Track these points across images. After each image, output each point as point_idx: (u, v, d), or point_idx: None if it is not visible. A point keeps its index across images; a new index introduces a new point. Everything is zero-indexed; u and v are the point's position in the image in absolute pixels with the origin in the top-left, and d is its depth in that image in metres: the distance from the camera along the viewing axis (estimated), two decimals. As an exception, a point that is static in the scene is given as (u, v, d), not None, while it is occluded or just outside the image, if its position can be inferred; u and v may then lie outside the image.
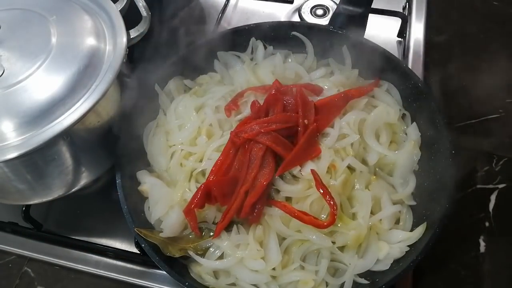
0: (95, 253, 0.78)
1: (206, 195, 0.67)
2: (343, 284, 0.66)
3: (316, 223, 0.64)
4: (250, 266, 0.65)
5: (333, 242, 0.66)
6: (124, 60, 0.68)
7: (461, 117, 0.92)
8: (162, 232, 0.69)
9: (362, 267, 0.66)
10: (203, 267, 0.68)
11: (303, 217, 0.64)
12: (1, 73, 0.64)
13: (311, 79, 0.83)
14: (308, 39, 0.86)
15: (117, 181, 0.71)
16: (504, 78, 0.96)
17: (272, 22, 0.87)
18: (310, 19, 1.01)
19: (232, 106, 0.77)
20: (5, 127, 0.62)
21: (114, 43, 0.69)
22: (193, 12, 1.11)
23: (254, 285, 0.66)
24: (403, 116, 0.80)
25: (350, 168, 0.71)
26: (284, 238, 0.67)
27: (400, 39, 1.01)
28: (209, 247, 0.69)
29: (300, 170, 0.69)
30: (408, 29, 1.01)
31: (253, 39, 0.87)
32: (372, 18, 1.03)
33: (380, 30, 1.02)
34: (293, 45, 0.87)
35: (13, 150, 0.61)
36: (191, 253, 0.68)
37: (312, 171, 0.67)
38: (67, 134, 0.64)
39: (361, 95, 0.78)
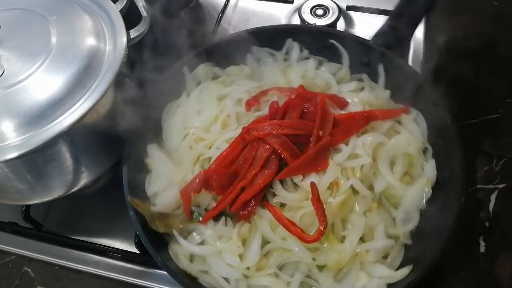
0: (95, 253, 0.78)
1: (204, 182, 0.68)
2: None
3: (301, 236, 0.63)
4: (226, 260, 0.66)
5: (314, 259, 0.65)
6: (124, 60, 0.68)
7: (461, 117, 0.92)
8: (154, 205, 0.71)
9: None
10: (181, 248, 0.69)
11: (290, 227, 0.64)
12: (1, 73, 0.64)
13: (339, 91, 0.81)
14: (345, 50, 0.84)
15: (125, 153, 0.73)
16: (504, 78, 0.97)
17: (311, 26, 0.88)
18: (310, 19, 1.01)
19: (253, 101, 0.77)
20: (5, 127, 0.62)
21: (114, 43, 0.69)
22: (193, 12, 1.11)
23: (225, 278, 0.66)
24: (425, 150, 0.76)
25: (354, 190, 0.68)
26: (268, 242, 0.67)
27: (400, 39, 1.01)
28: (193, 231, 0.69)
29: (302, 180, 0.68)
30: (408, 29, 1.01)
31: (289, 40, 0.86)
32: (372, 18, 1.04)
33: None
34: (329, 53, 0.85)
35: (13, 150, 0.61)
36: (175, 232, 0.69)
37: (312, 183, 0.65)
38: (67, 134, 0.64)
39: (385, 118, 0.74)
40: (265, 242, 0.67)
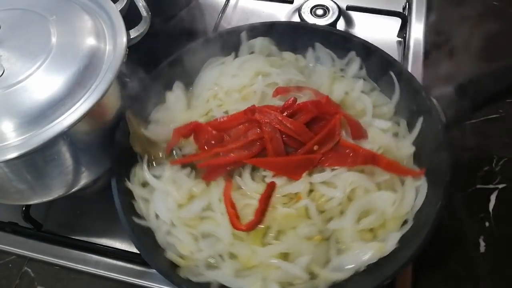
0: (95, 253, 0.78)
1: (193, 131, 0.73)
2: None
3: (233, 219, 0.65)
4: (167, 202, 0.70)
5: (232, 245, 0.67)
6: (124, 60, 0.68)
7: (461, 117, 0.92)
8: (146, 129, 0.77)
9: None
10: (140, 173, 0.74)
11: (229, 207, 0.66)
12: (1, 73, 0.64)
13: (370, 123, 0.76)
14: (400, 89, 0.79)
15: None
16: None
17: (382, 53, 0.81)
18: (310, 19, 1.01)
19: (283, 91, 0.77)
20: (5, 127, 0.62)
21: (114, 43, 0.69)
22: (193, 12, 1.11)
23: (156, 214, 0.71)
24: (404, 222, 0.69)
25: (307, 212, 0.66)
26: (210, 209, 0.70)
27: (400, 39, 1.01)
28: (159, 165, 0.75)
29: (271, 177, 0.69)
30: (408, 29, 1.01)
31: (354, 53, 0.83)
32: (372, 18, 1.04)
33: (380, 30, 1.02)
34: (385, 81, 0.81)
35: (13, 150, 0.61)
36: (145, 156, 0.75)
37: (272, 183, 0.67)
38: (67, 134, 0.64)
39: (389, 170, 0.69)
40: (207, 208, 0.69)
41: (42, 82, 0.64)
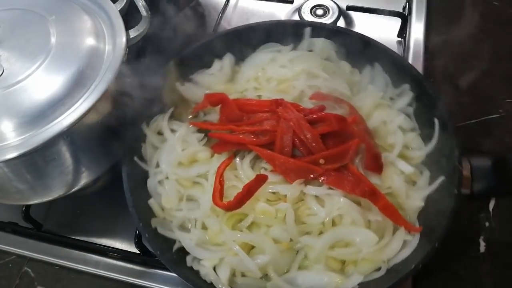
0: (95, 253, 0.78)
1: (220, 103, 0.76)
2: None
3: (215, 194, 0.67)
4: (170, 155, 0.75)
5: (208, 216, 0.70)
6: (124, 60, 0.68)
7: (461, 117, 0.92)
8: (182, 85, 0.82)
9: None
10: (160, 122, 0.78)
11: (217, 181, 0.68)
12: (1, 73, 0.64)
13: (393, 161, 0.72)
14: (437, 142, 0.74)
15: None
16: (504, 78, 0.96)
17: (431, 93, 0.76)
18: (310, 19, 1.01)
19: (320, 96, 0.77)
20: (5, 127, 0.62)
21: (114, 43, 0.69)
22: (193, 12, 1.11)
23: (157, 163, 0.76)
24: (378, 269, 0.66)
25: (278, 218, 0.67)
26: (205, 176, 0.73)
27: (400, 39, 1.01)
28: (180, 121, 0.79)
29: (269, 171, 0.69)
30: (408, 29, 1.01)
31: (408, 87, 0.79)
32: (372, 18, 1.04)
33: (380, 30, 1.02)
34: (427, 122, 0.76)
35: (13, 150, 0.61)
36: (172, 108, 0.79)
37: (263, 175, 0.67)
38: (67, 134, 0.64)
39: (383, 212, 0.65)
40: (202, 175, 0.73)
41: (42, 82, 0.64)
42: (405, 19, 1.00)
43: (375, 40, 0.82)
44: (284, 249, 0.66)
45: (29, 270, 0.80)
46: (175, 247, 0.69)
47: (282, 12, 1.08)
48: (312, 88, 0.79)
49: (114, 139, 0.75)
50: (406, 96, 0.79)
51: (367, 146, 0.70)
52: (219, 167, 0.70)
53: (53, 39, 0.67)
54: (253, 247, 0.67)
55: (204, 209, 0.69)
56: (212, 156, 0.74)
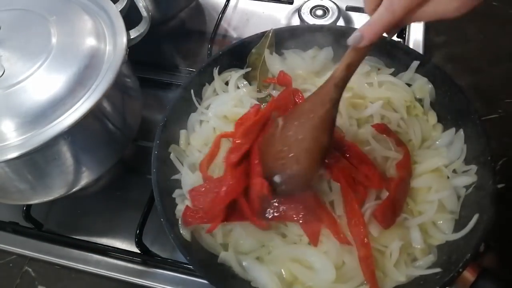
0: (95, 252, 0.78)
1: (284, 84, 0.77)
2: None
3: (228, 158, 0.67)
4: (222, 105, 0.78)
5: None
6: (125, 60, 0.68)
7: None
8: (270, 55, 0.82)
9: None
10: (234, 75, 0.81)
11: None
12: (2, 73, 0.64)
13: (411, 234, 0.67)
14: None
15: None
16: (503, 78, 0.97)
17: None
18: (310, 19, 1.01)
19: (382, 129, 0.73)
20: (6, 127, 0.62)
21: (114, 44, 0.69)
22: (193, 13, 1.11)
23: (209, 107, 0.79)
24: None
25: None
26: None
27: (399, 39, 1.01)
28: (246, 83, 0.82)
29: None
30: (408, 29, 1.01)
31: (463, 148, 0.72)
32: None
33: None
34: None
35: (14, 150, 0.61)
36: (247, 70, 0.82)
37: (262, 182, 0.63)
38: (67, 134, 0.64)
39: (361, 263, 0.63)
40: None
41: (43, 82, 0.64)
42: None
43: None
44: (256, 231, 0.66)
45: (30, 269, 0.80)
46: (175, 194, 0.72)
47: (282, 13, 1.08)
48: (383, 118, 0.75)
49: (114, 139, 0.76)
50: (469, 177, 0.70)
51: (393, 198, 0.66)
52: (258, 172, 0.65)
53: (53, 39, 0.67)
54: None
55: (217, 161, 0.72)
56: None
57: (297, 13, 1.04)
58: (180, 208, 0.69)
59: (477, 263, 0.63)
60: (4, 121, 0.63)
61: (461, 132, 0.73)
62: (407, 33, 1.01)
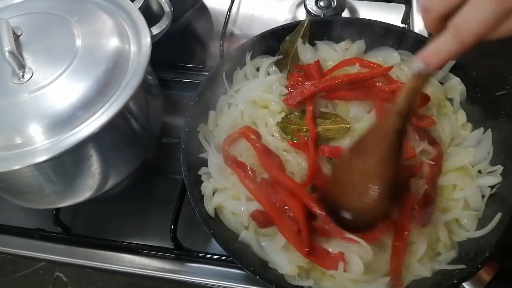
0: (128, 252, 0.78)
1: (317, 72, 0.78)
2: None
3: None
4: (249, 91, 0.80)
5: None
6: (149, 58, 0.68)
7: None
8: (302, 45, 0.84)
9: None
10: (262, 62, 0.83)
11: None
12: (30, 76, 0.64)
13: (439, 231, 0.68)
14: None
15: None
16: (510, 56, 0.99)
17: None
18: (315, 10, 1.02)
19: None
20: (34, 130, 0.62)
21: (138, 43, 0.69)
22: (197, 13, 1.11)
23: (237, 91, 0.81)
24: None
25: None
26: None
27: (404, 25, 1.03)
28: (277, 69, 0.83)
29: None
30: (411, 15, 1.03)
31: (490, 149, 0.73)
32: (375, 5, 1.06)
33: (384, 16, 1.03)
34: None
35: (42, 153, 0.61)
36: (279, 57, 0.83)
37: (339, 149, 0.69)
38: (96, 136, 0.63)
39: (393, 252, 0.65)
40: (262, 121, 0.76)
41: (70, 85, 0.64)
42: (409, 4, 1.02)
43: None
44: None
45: (61, 275, 0.80)
46: (201, 171, 0.73)
47: (287, 4, 1.09)
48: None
49: (141, 139, 0.76)
50: (494, 177, 0.71)
51: (424, 201, 0.67)
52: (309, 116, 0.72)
53: (78, 41, 0.67)
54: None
55: (242, 146, 0.73)
56: (280, 112, 0.76)
57: (302, 4, 1.04)
58: (205, 185, 0.72)
59: (495, 262, 0.64)
60: (33, 124, 0.62)
61: (489, 132, 0.73)
62: (411, 20, 1.02)
